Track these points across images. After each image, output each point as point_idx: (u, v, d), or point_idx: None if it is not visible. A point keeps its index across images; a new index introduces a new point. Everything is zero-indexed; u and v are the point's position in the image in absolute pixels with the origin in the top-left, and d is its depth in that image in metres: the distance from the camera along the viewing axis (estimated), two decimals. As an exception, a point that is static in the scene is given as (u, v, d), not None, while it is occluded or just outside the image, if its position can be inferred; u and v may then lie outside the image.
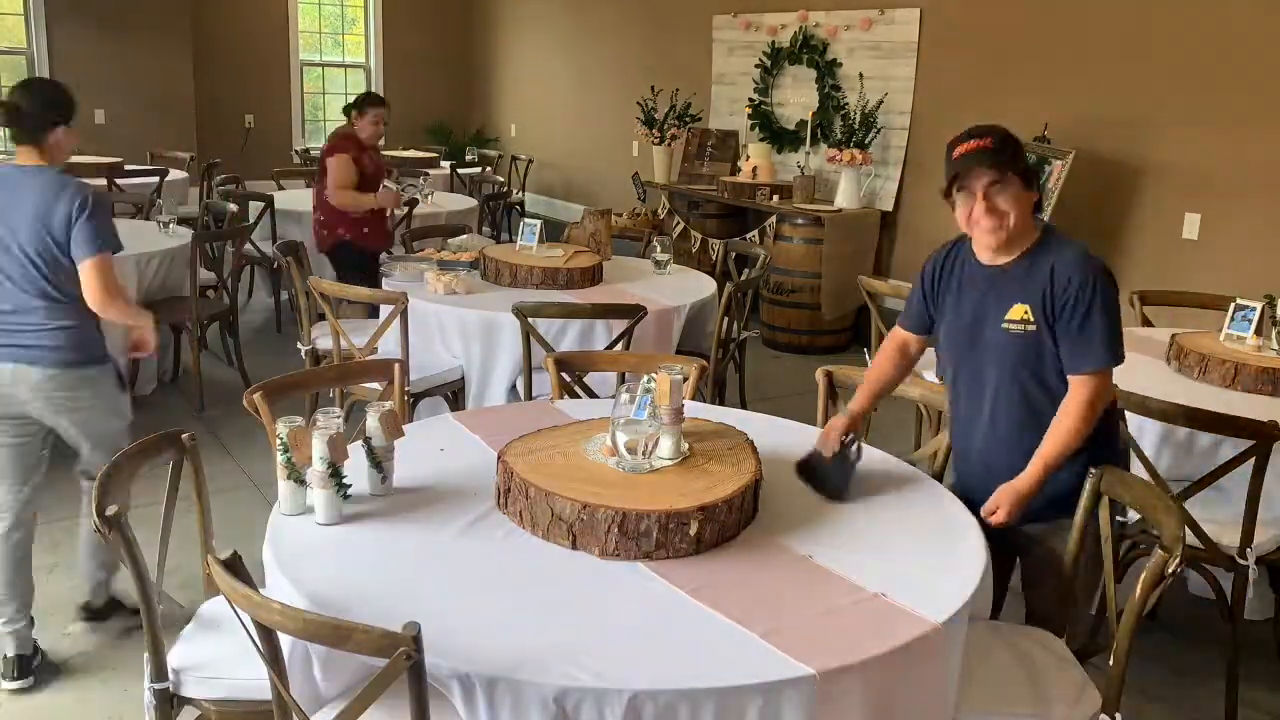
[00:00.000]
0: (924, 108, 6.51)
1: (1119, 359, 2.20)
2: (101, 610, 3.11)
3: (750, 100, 7.67)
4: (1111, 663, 1.98)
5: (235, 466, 4.34)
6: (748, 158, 7.33)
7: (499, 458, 2.10)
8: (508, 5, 10.75)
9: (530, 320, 3.58)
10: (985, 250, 2.26)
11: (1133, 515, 2.89)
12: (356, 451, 2.15)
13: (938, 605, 1.76)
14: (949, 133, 2.26)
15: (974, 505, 2.21)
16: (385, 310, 3.79)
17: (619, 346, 3.67)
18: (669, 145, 7.97)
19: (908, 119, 6.59)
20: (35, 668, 2.83)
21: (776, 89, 7.58)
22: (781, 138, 7.48)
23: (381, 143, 5.70)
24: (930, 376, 4.06)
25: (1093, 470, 2.21)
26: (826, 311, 6.49)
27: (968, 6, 6.18)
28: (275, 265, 6.06)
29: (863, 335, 6.83)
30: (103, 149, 8.29)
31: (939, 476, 2.47)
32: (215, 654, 2.10)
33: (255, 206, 6.26)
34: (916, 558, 1.96)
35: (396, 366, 2.75)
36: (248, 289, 7.25)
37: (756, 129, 7.61)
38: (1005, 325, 2.22)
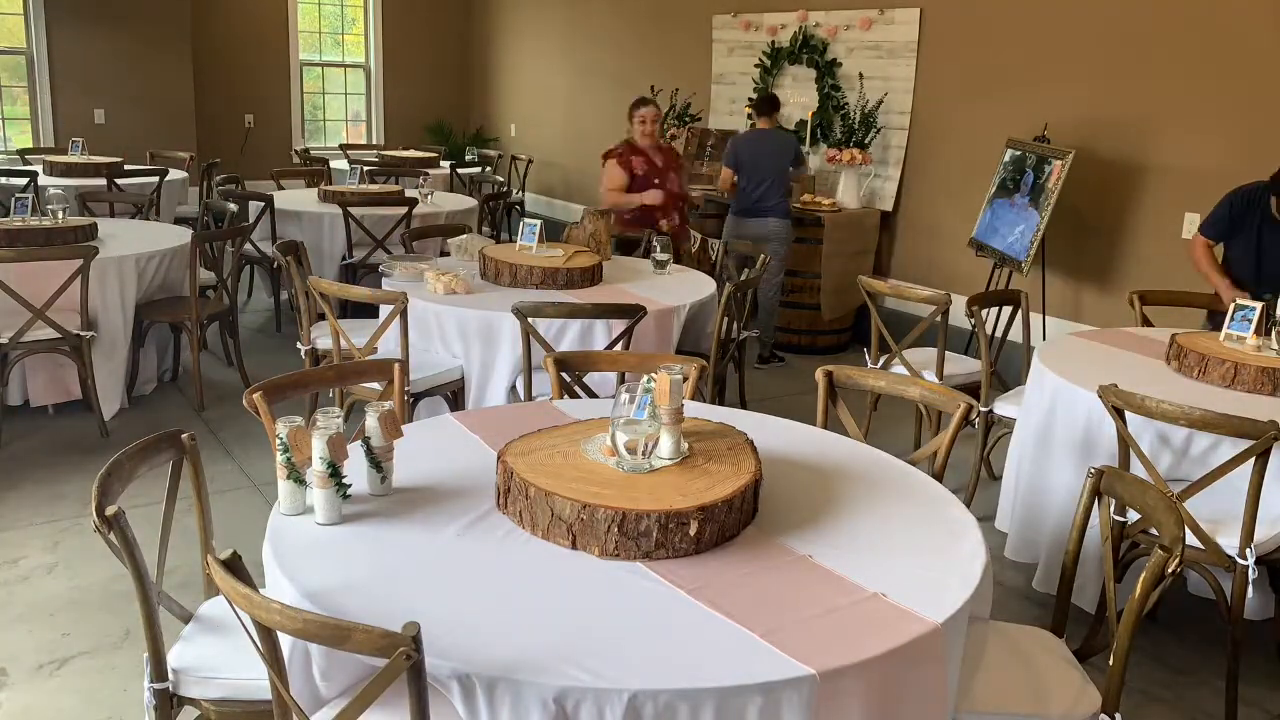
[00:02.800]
0: (924, 108, 6.51)
1: None
2: None
3: (750, 100, 7.67)
4: (1111, 662, 1.98)
5: (235, 466, 4.35)
6: (748, 158, 7.33)
7: (499, 458, 2.10)
8: (507, 5, 10.75)
9: (530, 320, 3.58)
10: None
11: (1132, 515, 2.89)
12: (356, 451, 2.15)
13: (938, 605, 1.76)
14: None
15: None
16: (385, 310, 3.80)
17: (619, 346, 3.67)
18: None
19: (908, 119, 6.59)
20: None
21: (776, 89, 7.58)
22: (781, 138, 7.47)
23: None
24: (930, 376, 4.07)
25: (1092, 469, 2.22)
26: (826, 311, 6.49)
27: (968, 6, 6.18)
28: (275, 265, 6.07)
29: (862, 335, 6.83)
30: (103, 149, 8.30)
31: (939, 476, 2.47)
32: (215, 654, 2.10)
33: (255, 206, 6.26)
34: (916, 558, 1.96)
35: (396, 366, 2.75)
36: (248, 289, 7.26)
37: (756, 129, 7.61)
38: None
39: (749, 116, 6.42)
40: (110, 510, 1.88)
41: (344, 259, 6.09)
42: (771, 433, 2.58)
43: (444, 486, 2.19)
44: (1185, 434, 2.93)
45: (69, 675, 2.89)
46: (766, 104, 6.16)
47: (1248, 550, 2.71)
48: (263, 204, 6.21)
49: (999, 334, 4.42)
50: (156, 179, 7.22)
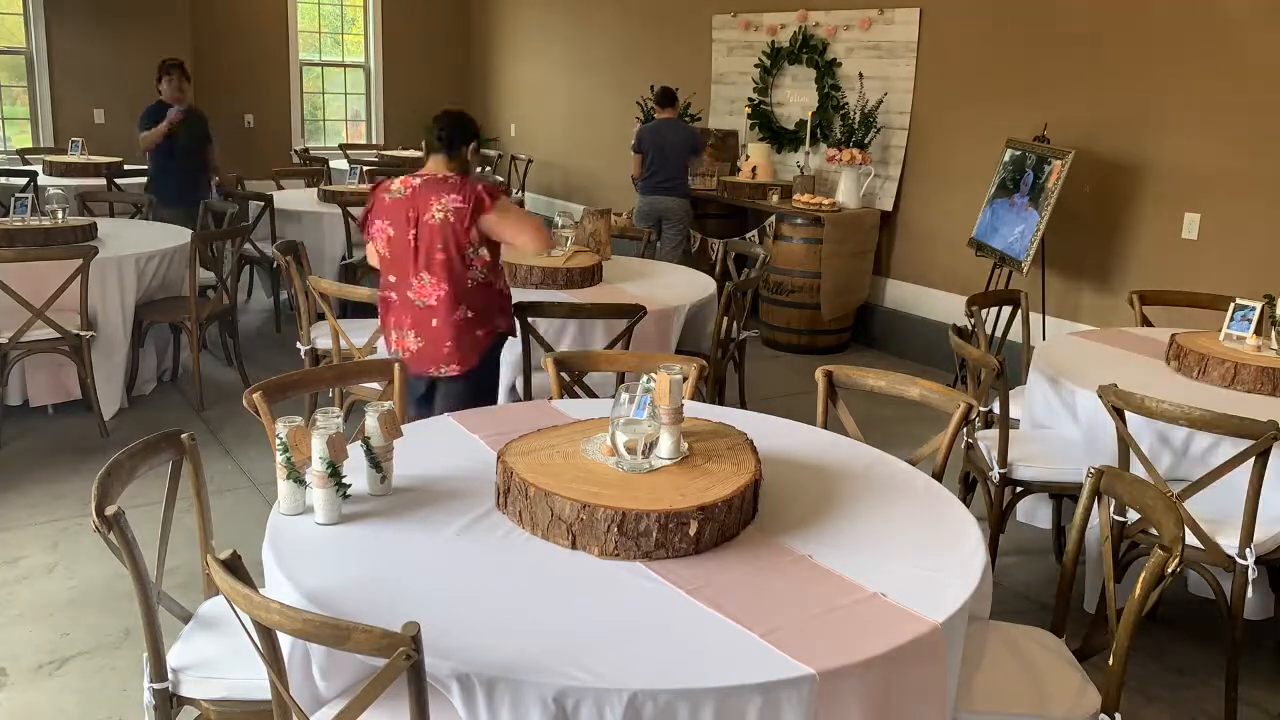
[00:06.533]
0: (924, 108, 6.51)
1: None
2: None
3: (750, 100, 7.67)
4: (1111, 662, 1.98)
5: (235, 466, 4.35)
6: (747, 157, 7.34)
7: (499, 458, 2.10)
8: (507, 5, 10.75)
9: (530, 320, 3.58)
10: None
11: (1132, 515, 2.89)
12: (356, 451, 2.15)
13: (937, 605, 1.76)
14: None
15: None
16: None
17: (619, 346, 3.67)
18: (669, 145, 7.97)
19: (907, 119, 6.59)
20: None
21: (776, 89, 7.59)
22: (781, 137, 7.48)
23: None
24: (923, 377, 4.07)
25: (1092, 469, 2.22)
26: (826, 311, 6.49)
27: (968, 6, 6.18)
28: (275, 265, 6.07)
29: (862, 335, 6.83)
30: (102, 149, 8.29)
31: (939, 476, 2.47)
32: (215, 654, 2.10)
33: (255, 206, 6.26)
34: (916, 558, 1.96)
35: (396, 366, 2.75)
36: (247, 289, 7.26)
37: (756, 129, 7.61)
38: None
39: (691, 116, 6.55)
40: (110, 510, 1.88)
41: (344, 259, 6.09)
42: (771, 433, 2.58)
43: (444, 486, 2.19)
44: (1185, 434, 2.93)
45: (69, 675, 2.89)
46: (664, 97, 6.84)
47: (1247, 550, 2.71)
48: (262, 204, 6.21)
49: (999, 334, 4.42)
50: (156, 179, 7.20)
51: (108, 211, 6.34)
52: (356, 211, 5.94)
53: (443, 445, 2.43)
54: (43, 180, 6.90)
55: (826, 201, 6.57)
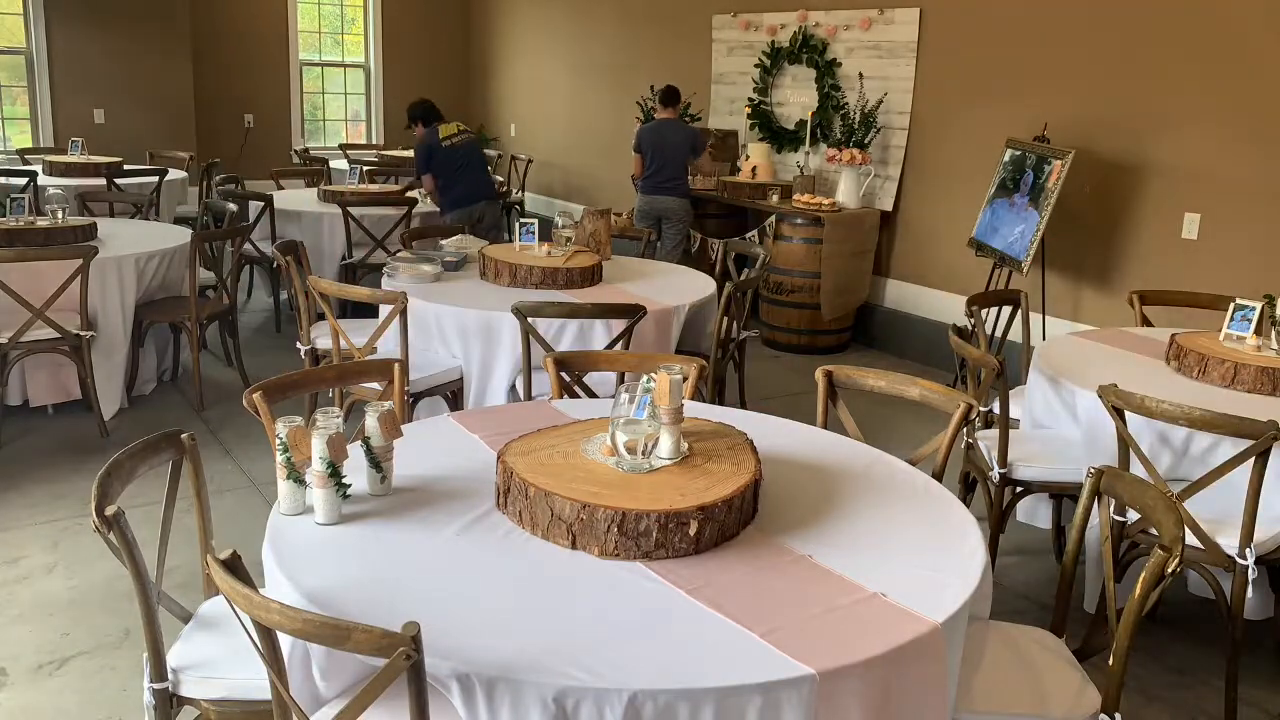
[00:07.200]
0: (924, 108, 6.51)
1: None
2: None
3: (750, 100, 7.67)
4: (1111, 662, 1.98)
5: (235, 466, 4.35)
6: (747, 157, 7.34)
7: (499, 458, 2.10)
8: (507, 5, 10.75)
9: (530, 320, 3.58)
10: None
11: (1132, 515, 2.89)
12: (356, 451, 2.15)
13: (937, 605, 1.76)
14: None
15: None
16: (385, 310, 3.80)
17: (619, 346, 3.67)
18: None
19: (907, 119, 6.59)
20: None
21: (776, 89, 7.59)
22: (781, 137, 7.48)
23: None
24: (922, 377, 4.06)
25: (1092, 469, 2.22)
26: (826, 311, 6.49)
27: (968, 6, 6.18)
28: (274, 265, 6.07)
29: (862, 335, 6.83)
30: (102, 149, 8.31)
31: (939, 476, 2.47)
32: (215, 654, 2.10)
33: (255, 206, 6.27)
34: (916, 558, 1.96)
35: (396, 366, 2.75)
36: (247, 289, 7.26)
37: (756, 129, 7.61)
38: None
39: (652, 109, 6.64)
40: (110, 510, 1.88)
41: (344, 259, 6.09)
42: (771, 433, 2.58)
43: (444, 486, 2.19)
44: (1185, 434, 2.93)
45: (69, 675, 2.89)
46: (667, 96, 6.84)
47: (1247, 550, 2.71)
48: (262, 204, 6.21)
49: (999, 334, 4.42)
50: (156, 179, 7.22)
51: (108, 211, 6.34)
52: (356, 211, 5.97)
53: (443, 445, 2.43)
54: (43, 180, 6.90)
55: (826, 201, 6.57)
